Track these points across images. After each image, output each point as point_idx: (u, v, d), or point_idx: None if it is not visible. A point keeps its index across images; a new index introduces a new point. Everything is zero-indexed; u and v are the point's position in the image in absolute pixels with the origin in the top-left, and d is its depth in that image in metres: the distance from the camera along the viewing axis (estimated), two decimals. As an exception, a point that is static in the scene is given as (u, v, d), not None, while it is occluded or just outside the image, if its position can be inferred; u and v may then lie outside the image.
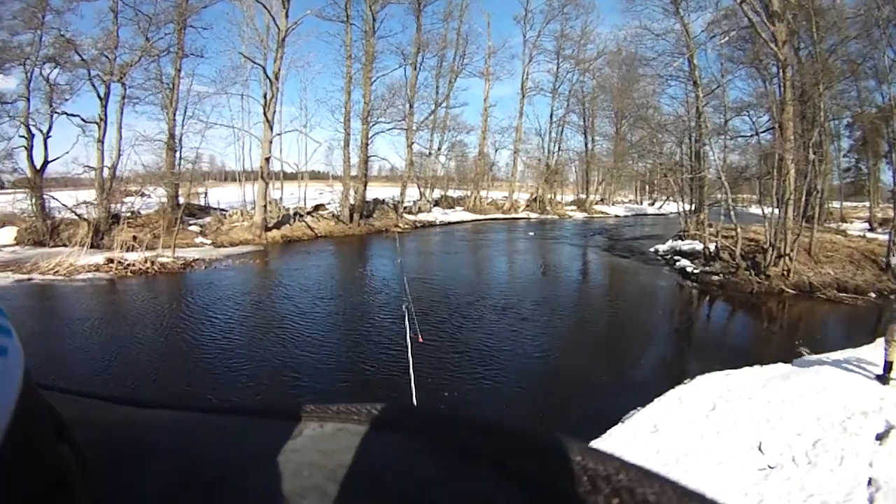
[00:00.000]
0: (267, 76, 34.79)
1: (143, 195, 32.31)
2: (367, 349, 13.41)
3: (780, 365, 11.74)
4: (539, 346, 14.04)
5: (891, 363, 9.95)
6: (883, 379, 9.99)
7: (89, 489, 0.47)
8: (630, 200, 74.67)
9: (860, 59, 31.00)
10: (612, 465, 0.41)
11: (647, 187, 71.97)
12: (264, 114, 34.69)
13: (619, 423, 9.05)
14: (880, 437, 7.78)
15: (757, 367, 11.51)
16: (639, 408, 9.55)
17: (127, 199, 31.02)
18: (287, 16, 34.90)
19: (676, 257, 27.30)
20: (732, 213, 24.64)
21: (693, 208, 32.84)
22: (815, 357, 12.32)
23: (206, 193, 41.10)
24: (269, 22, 35.90)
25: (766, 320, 18.59)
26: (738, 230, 23.61)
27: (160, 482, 0.50)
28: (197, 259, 24.62)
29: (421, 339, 12.46)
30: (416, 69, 46.09)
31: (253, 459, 0.52)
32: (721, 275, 23.01)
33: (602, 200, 66.28)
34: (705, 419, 8.89)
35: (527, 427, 0.47)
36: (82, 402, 0.68)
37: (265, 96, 35.25)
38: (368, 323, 15.79)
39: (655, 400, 9.99)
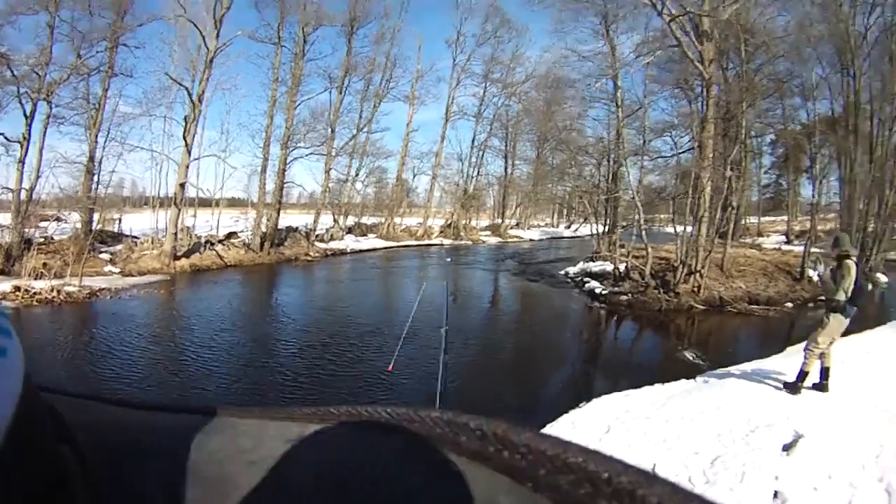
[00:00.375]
0: (191, 98, 33.45)
1: (58, 220, 30.82)
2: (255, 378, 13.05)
3: (684, 381, 10.80)
4: (439, 375, 13.16)
5: (805, 372, 9.30)
6: (793, 388, 9.31)
7: (89, 489, 0.48)
8: (547, 224, 74.95)
9: (787, 78, 31.79)
10: (613, 467, 0.41)
11: (564, 210, 72.52)
12: (184, 137, 33.35)
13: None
14: (787, 448, 6.92)
15: (659, 386, 10.61)
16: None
17: (42, 224, 29.44)
18: (218, 36, 33.78)
19: (586, 279, 26.84)
20: (644, 233, 24.40)
21: (606, 230, 32.70)
22: (720, 371, 11.49)
23: (120, 220, 39.21)
24: (201, 42, 34.63)
25: (674, 337, 18.11)
26: (649, 249, 23.48)
27: (159, 483, 0.52)
28: (103, 288, 23.35)
29: (390, 368, 11.85)
30: (341, 93, 45.26)
31: (251, 461, 0.53)
32: (630, 294, 22.59)
33: (518, 225, 66.25)
34: (598, 444, 8.01)
35: (525, 429, 0.47)
36: (82, 404, 0.68)
37: (186, 119, 33.91)
38: (258, 354, 15.19)
39: (547, 426, 9.14)
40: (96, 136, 33.32)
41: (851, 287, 8.75)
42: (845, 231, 21.12)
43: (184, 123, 33.74)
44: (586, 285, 25.65)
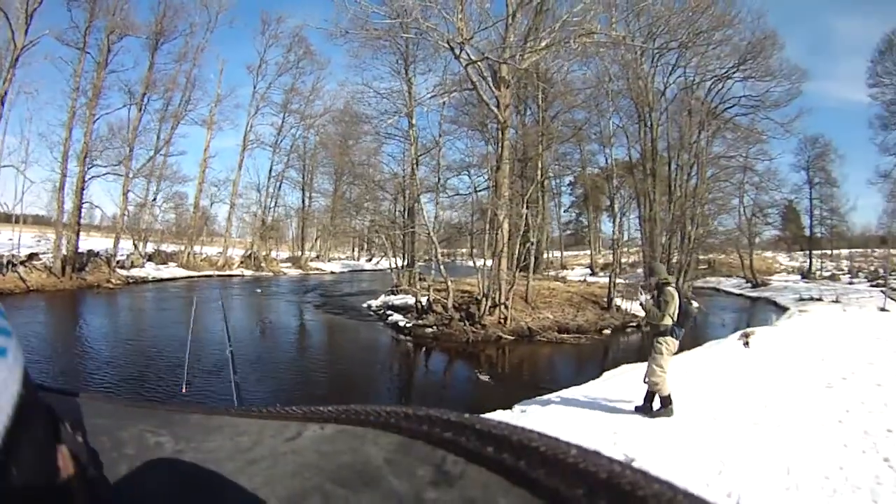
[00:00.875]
0: None
1: None
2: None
3: (500, 412, 9.77)
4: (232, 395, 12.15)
5: (653, 393, 8.93)
6: (644, 410, 9.00)
7: (88, 489, 0.49)
8: (347, 257, 75.28)
9: (585, 126, 33.68)
10: (611, 467, 0.41)
11: (364, 244, 72.64)
12: None
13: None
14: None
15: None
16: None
17: None
18: (27, 32, 31.28)
19: (389, 312, 26.23)
20: (442, 267, 24.05)
21: (406, 263, 32.64)
22: (538, 398, 10.58)
23: None
24: (10, 38, 31.74)
25: (486, 367, 17.27)
26: (450, 283, 23.09)
27: (160, 482, 0.53)
28: None
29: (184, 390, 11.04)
30: (140, 110, 42.99)
31: (253, 460, 0.54)
32: (435, 327, 22.01)
33: (318, 257, 66.06)
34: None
35: (525, 429, 0.47)
36: (81, 404, 0.69)
37: None
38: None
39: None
40: None
41: (676, 311, 8.70)
42: (647, 264, 22.56)
43: None
44: (389, 318, 25.03)
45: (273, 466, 0.50)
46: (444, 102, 27.49)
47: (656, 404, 8.90)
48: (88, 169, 37.96)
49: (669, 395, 8.80)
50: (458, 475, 0.45)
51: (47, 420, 0.45)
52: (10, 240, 37.18)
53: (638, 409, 9.00)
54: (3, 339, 0.38)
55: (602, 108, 31.94)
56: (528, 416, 8.96)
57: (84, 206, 38.71)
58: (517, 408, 9.94)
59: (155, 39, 43.30)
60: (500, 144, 23.46)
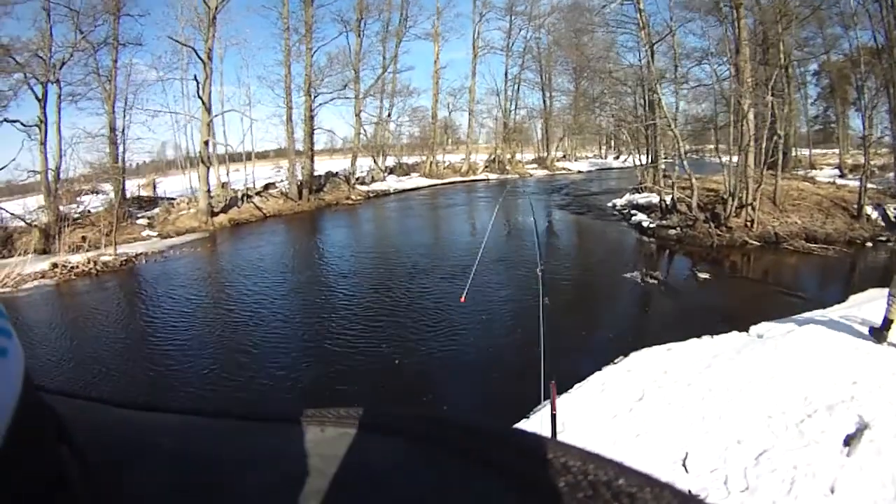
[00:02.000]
0: (199, 58, 32.99)
1: (96, 192, 30.80)
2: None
3: (735, 335, 9.62)
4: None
5: (891, 320, 8.16)
6: (878, 335, 8.27)
7: (89, 491, 0.48)
8: (595, 155, 72.78)
9: (823, 5, 29.71)
10: (612, 470, 0.42)
11: (612, 141, 69.91)
12: (199, 96, 33.14)
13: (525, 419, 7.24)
14: (848, 442, 5.59)
15: (707, 339, 9.44)
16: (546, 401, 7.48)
17: (83, 199, 29.65)
18: None
19: (633, 212, 25.82)
20: (686, 163, 23.24)
21: (650, 160, 31.47)
22: (777, 322, 10.15)
23: (155, 184, 39.35)
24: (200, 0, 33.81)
25: (727, 277, 16.83)
26: (694, 181, 22.27)
27: (160, 485, 0.52)
28: (139, 253, 23.63)
29: (462, 300, 12.04)
30: (359, 36, 43.65)
31: (253, 463, 0.53)
32: (678, 228, 21.52)
33: (564, 157, 64.68)
34: (628, 414, 6.78)
35: (527, 433, 0.48)
36: (82, 405, 0.67)
37: (195, 78, 33.63)
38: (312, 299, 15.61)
39: (575, 387, 7.96)
40: (113, 107, 33.56)
41: None
42: None
43: (196, 83, 33.70)
44: (633, 218, 24.87)
45: (273, 470, 0.51)
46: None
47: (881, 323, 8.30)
48: (315, 97, 39.25)
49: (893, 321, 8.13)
50: (461, 478, 0.46)
51: (48, 421, 0.47)
52: (251, 174, 39.95)
53: (872, 332, 8.42)
54: (3, 340, 0.39)
55: None
56: (764, 347, 8.63)
57: (316, 131, 40.14)
58: (753, 331, 9.78)
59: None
60: (736, 25, 22.46)
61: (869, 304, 9.86)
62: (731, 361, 7.98)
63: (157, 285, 18.38)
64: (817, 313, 10.43)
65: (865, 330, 8.64)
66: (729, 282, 16.21)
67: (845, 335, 8.69)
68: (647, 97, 32.16)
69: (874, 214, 21.03)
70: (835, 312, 10.29)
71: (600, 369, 8.54)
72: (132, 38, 34.22)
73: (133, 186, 36.34)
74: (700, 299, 14.41)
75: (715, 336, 9.57)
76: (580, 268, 17.97)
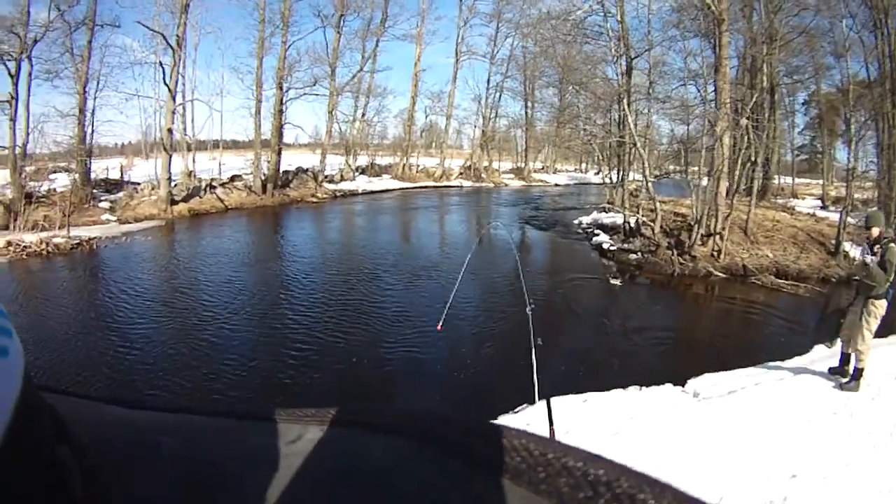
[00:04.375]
0: (168, 44, 32.99)
1: (67, 171, 32.07)
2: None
3: (668, 389, 8.15)
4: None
5: (861, 369, 7.98)
6: (848, 384, 8.06)
7: (89, 490, 0.49)
8: (576, 169, 73.04)
9: (814, 30, 29.47)
10: (613, 470, 0.43)
11: (593, 156, 69.10)
12: (165, 83, 33.17)
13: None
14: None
15: (633, 390, 8.03)
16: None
17: (54, 177, 30.78)
18: None
19: (596, 231, 25.18)
20: (651, 185, 22.65)
21: (619, 178, 30.34)
22: (719, 378, 8.60)
23: (122, 168, 39.06)
24: None
25: (682, 312, 15.68)
26: (658, 205, 21.49)
27: (161, 484, 0.53)
28: (93, 238, 23.21)
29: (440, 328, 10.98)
30: (338, 32, 43.20)
31: (254, 462, 0.54)
32: (639, 253, 20.58)
33: (543, 169, 64.51)
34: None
35: (528, 433, 0.49)
36: (82, 404, 0.70)
37: (161, 64, 34.29)
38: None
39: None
40: (84, 88, 33.48)
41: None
42: (882, 203, 20.68)
43: (163, 69, 34.16)
44: (595, 238, 24.12)
45: (275, 469, 0.50)
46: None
47: (851, 371, 8.09)
48: (286, 91, 39.23)
49: (864, 370, 7.93)
50: (462, 477, 0.46)
51: (49, 420, 0.46)
52: (223, 164, 40.51)
53: (832, 371, 8.38)
54: (3, 339, 0.39)
55: (833, 7, 28.26)
56: (697, 411, 7.18)
57: (285, 126, 40.16)
58: (692, 386, 8.21)
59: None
60: (717, 42, 21.32)
61: (834, 360, 8.56)
62: (645, 431, 6.42)
63: (101, 271, 18.65)
64: (774, 366, 9.15)
65: (824, 392, 7.98)
66: (683, 317, 15.05)
67: (800, 400, 7.52)
68: (620, 113, 31.25)
69: (853, 252, 19.53)
70: (794, 365, 9.22)
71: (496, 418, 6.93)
72: (110, 19, 34.04)
73: (113, 166, 36.81)
74: (642, 337, 12.82)
75: (644, 388, 8.12)
76: (531, 281, 16.30)
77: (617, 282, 16.10)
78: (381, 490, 0.47)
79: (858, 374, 7.92)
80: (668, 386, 8.22)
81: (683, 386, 8.23)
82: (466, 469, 0.46)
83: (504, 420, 6.80)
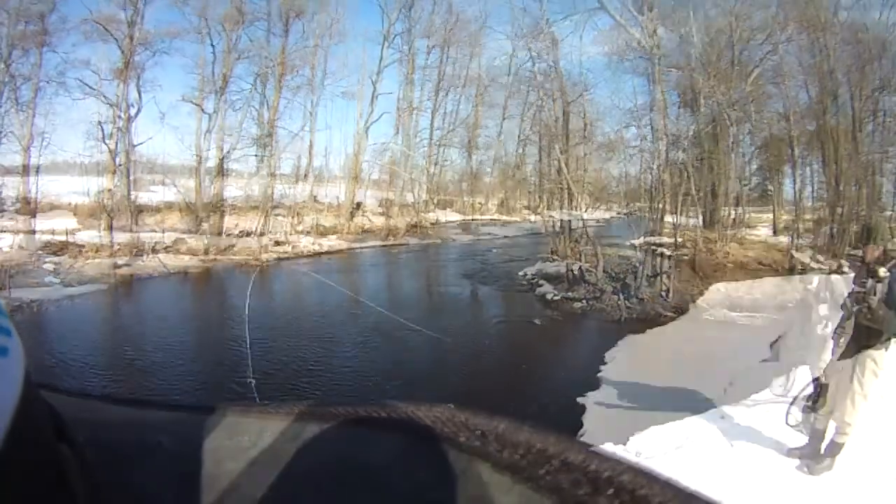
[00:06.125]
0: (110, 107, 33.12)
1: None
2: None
3: (609, 446, 7.01)
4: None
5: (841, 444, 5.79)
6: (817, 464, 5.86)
7: (89, 489, 0.49)
8: (522, 220, 71.11)
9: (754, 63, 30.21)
10: (614, 466, 0.43)
11: (546, 204, 69.14)
12: (105, 143, 33.88)
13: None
14: None
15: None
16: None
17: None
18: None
19: (540, 282, 24.28)
20: (588, 230, 23.07)
21: (560, 225, 30.24)
22: (665, 433, 7.39)
23: (66, 232, 35.87)
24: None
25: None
26: (598, 249, 22.04)
27: (160, 482, 0.54)
28: (34, 300, 22.94)
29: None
30: (278, 91, 42.50)
31: (254, 460, 0.55)
32: (584, 301, 20.23)
33: (492, 220, 62.00)
34: None
35: (528, 428, 0.49)
36: (82, 403, 0.70)
37: (100, 124, 33.63)
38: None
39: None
40: (28, 148, 33.40)
41: None
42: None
43: (102, 130, 33.64)
44: (539, 289, 23.28)
45: (274, 467, 0.50)
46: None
47: (823, 450, 5.83)
48: (228, 153, 39.75)
49: (843, 446, 5.71)
50: (460, 474, 0.46)
51: (49, 420, 0.47)
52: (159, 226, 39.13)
53: (794, 452, 6.02)
54: (4, 339, 0.39)
55: (771, 36, 28.49)
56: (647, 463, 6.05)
57: (227, 187, 40.61)
58: (634, 445, 7.11)
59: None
60: (652, 79, 21.99)
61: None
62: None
63: (41, 334, 17.74)
64: (729, 413, 7.83)
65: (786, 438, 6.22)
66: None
67: (756, 448, 6.37)
68: (559, 159, 31.13)
69: (807, 276, 19.39)
70: (753, 403, 8.06)
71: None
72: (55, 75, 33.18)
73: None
74: (581, 391, 11.79)
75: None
76: (461, 342, 15.92)
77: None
78: (381, 487, 0.47)
79: (835, 449, 5.77)
80: (609, 445, 7.07)
81: (625, 444, 7.19)
82: (466, 464, 0.46)
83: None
